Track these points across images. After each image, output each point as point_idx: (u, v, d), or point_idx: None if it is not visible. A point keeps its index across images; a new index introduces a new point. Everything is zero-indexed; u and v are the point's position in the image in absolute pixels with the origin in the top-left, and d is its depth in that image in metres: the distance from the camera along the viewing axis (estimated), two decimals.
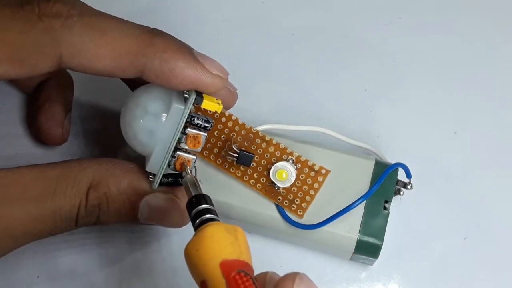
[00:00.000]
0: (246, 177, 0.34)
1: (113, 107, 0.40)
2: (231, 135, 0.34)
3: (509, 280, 0.36)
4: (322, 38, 0.43)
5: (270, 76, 0.42)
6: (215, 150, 0.34)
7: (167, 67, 0.28)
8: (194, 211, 0.26)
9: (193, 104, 0.28)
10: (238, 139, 0.34)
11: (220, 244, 0.24)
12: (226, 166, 0.34)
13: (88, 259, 0.36)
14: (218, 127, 0.34)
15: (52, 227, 0.29)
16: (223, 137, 0.34)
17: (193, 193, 0.28)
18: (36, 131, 0.39)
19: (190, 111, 0.28)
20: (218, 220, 0.26)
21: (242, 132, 0.34)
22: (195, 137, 0.29)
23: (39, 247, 0.36)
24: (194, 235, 0.25)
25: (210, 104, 0.29)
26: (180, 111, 0.28)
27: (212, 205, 0.27)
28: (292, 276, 0.24)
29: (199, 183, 0.29)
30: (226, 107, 0.34)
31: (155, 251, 0.37)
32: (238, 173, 0.34)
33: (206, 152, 0.34)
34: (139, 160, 0.31)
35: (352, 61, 0.42)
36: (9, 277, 0.36)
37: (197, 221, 0.26)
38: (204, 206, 0.27)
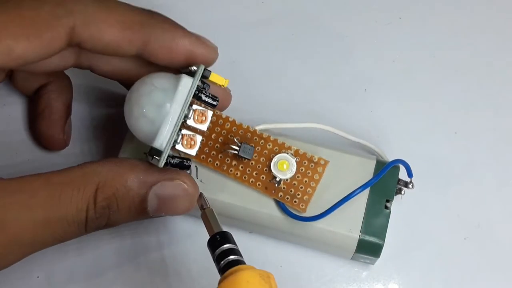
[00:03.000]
0: (245, 177, 0.34)
1: (112, 106, 0.40)
2: (229, 136, 0.34)
3: (509, 280, 0.36)
4: (322, 38, 0.43)
5: (270, 76, 0.42)
6: (213, 153, 0.34)
7: (169, 35, 0.30)
8: (218, 250, 0.27)
9: (201, 78, 0.29)
10: (236, 139, 0.34)
11: None
12: (225, 168, 0.34)
13: (88, 259, 0.36)
14: (216, 130, 0.34)
15: (61, 233, 0.29)
16: (221, 139, 0.34)
17: (215, 230, 0.28)
18: (37, 137, 0.39)
19: (197, 86, 0.29)
20: (245, 263, 0.26)
21: (239, 132, 0.34)
22: (202, 112, 0.29)
23: None
24: (225, 278, 0.25)
25: (217, 77, 0.30)
26: (188, 83, 0.29)
27: (235, 243, 0.27)
28: None
29: (217, 217, 0.29)
30: (221, 108, 0.34)
31: (156, 251, 0.37)
32: (237, 174, 0.34)
33: (204, 156, 0.34)
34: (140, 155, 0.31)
35: (352, 61, 0.42)
36: (9, 277, 0.36)
37: (222, 262, 0.26)
38: (228, 246, 0.27)
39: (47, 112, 0.37)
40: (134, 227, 0.37)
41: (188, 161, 0.30)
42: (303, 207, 0.33)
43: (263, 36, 0.43)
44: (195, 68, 0.30)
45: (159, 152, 0.29)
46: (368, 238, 0.33)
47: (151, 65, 0.32)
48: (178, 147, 0.29)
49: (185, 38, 0.31)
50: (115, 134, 0.38)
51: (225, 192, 0.34)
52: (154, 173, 0.30)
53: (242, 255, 0.27)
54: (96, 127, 0.40)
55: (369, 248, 0.33)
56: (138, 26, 0.30)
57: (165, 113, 0.29)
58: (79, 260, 0.36)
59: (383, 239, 0.33)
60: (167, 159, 0.29)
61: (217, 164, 0.34)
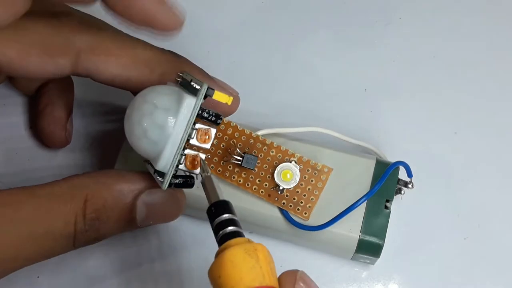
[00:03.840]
0: (248, 184, 0.34)
1: (114, 106, 0.40)
2: (231, 142, 0.34)
3: (509, 280, 0.36)
4: (322, 38, 0.43)
5: (270, 76, 0.42)
6: (215, 159, 0.34)
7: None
8: (216, 221, 0.26)
9: (204, 96, 0.28)
10: (239, 146, 0.34)
11: (240, 271, 0.23)
12: (227, 175, 0.34)
13: (90, 264, 0.36)
14: (217, 135, 0.34)
15: (47, 248, 0.28)
16: (223, 145, 0.34)
17: (213, 199, 0.27)
18: (38, 135, 0.39)
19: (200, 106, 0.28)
20: (241, 234, 0.25)
21: (242, 138, 0.34)
22: (205, 132, 0.28)
23: None
24: (216, 256, 0.24)
25: (221, 95, 0.28)
26: (191, 103, 0.28)
27: (233, 212, 0.26)
28: (291, 276, 0.24)
29: (217, 184, 0.28)
30: (229, 112, 0.34)
31: (158, 256, 0.37)
32: (240, 181, 0.34)
33: (206, 162, 0.34)
34: (139, 163, 0.31)
35: (352, 61, 0.42)
36: (8, 277, 0.36)
37: (220, 233, 0.25)
38: (226, 216, 0.26)
39: (48, 109, 0.37)
40: (135, 232, 0.36)
41: (192, 180, 0.29)
42: (306, 215, 0.33)
43: (263, 36, 0.43)
44: (198, 87, 0.28)
45: (162, 172, 0.29)
46: (368, 238, 0.33)
47: (152, 72, 0.32)
48: (181, 167, 0.28)
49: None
50: (116, 131, 0.38)
51: (226, 192, 0.34)
52: (141, 181, 0.29)
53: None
54: (97, 127, 0.40)
55: (369, 248, 0.33)
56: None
57: (168, 135, 0.28)
58: (82, 264, 0.36)
59: (383, 239, 0.33)
60: (170, 180, 0.28)
61: (219, 170, 0.34)
